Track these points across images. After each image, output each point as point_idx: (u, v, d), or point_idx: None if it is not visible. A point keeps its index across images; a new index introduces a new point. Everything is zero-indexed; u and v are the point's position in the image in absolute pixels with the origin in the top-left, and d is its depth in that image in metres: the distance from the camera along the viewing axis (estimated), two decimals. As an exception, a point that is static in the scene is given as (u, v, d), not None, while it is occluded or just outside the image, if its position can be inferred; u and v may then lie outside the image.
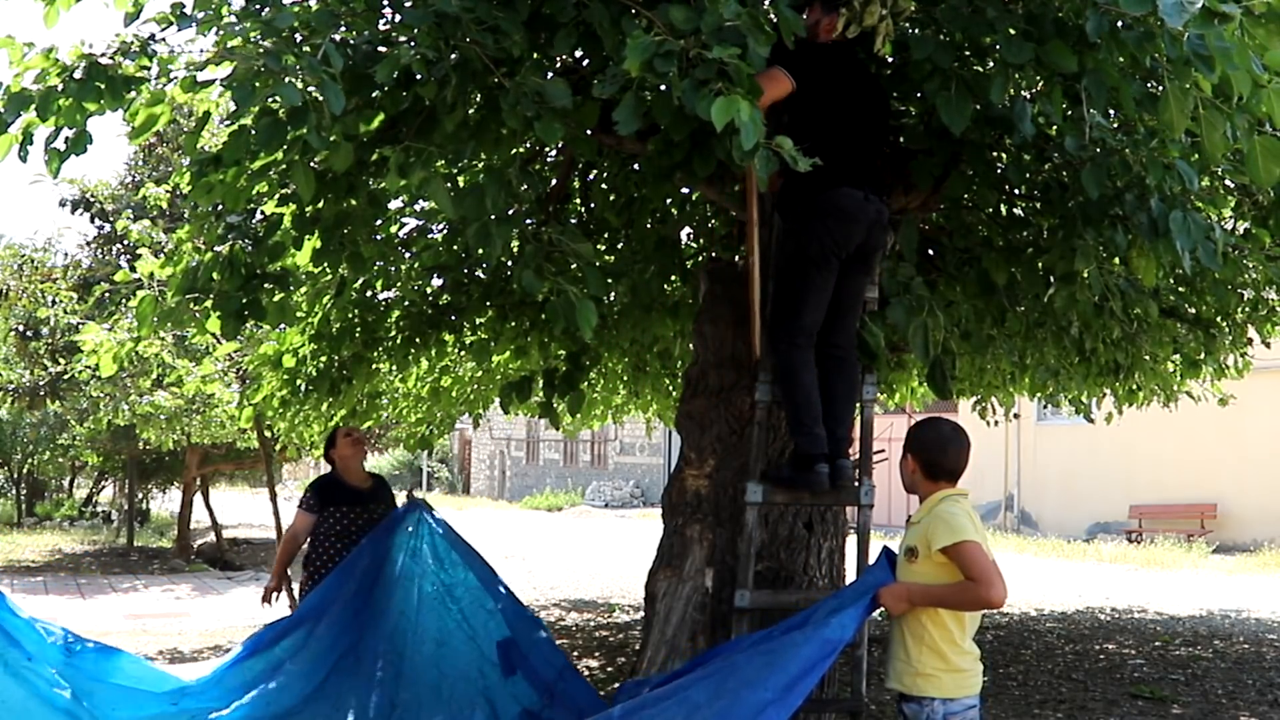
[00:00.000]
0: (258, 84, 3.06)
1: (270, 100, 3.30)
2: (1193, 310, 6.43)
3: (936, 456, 3.27)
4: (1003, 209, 5.17)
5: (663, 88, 3.24)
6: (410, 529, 4.82)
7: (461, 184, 4.19)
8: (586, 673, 6.97)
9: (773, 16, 3.30)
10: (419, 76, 3.47)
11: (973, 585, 3.04)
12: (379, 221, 5.18)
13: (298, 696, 4.49)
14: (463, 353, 7.26)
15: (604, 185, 6.08)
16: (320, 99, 3.09)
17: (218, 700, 4.37)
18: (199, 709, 4.32)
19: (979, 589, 3.03)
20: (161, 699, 4.26)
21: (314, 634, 4.62)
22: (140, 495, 21.02)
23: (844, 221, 3.91)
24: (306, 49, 3.19)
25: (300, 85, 3.08)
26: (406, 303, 6.12)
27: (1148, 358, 6.56)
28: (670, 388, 8.16)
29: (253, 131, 3.58)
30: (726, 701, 3.09)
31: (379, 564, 4.75)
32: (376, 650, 4.66)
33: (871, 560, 3.58)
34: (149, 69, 3.61)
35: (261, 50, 3.08)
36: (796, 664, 3.08)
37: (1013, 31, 3.52)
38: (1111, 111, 4.05)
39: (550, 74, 3.93)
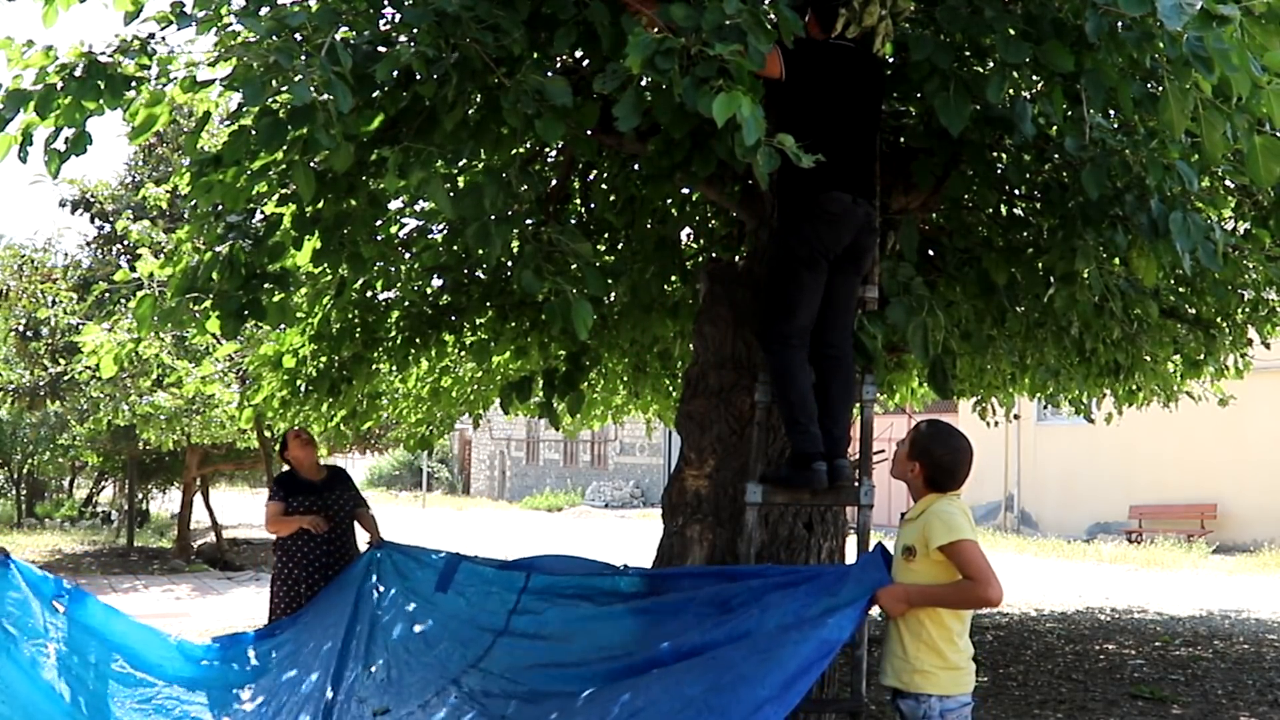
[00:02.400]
0: (272, 82, 3.06)
1: (270, 100, 3.30)
2: (1193, 311, 6.43)
3: (946, 475, 3.23)
4: (1003, 209, 5.17)
5: (664, 86, 3.24)
6: (372, 563, 5.18)
7: (461, 184, 4.19)
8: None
9: (773, 16, 3.30)
10: (419, 76, 3.47)
11: (971, 584, 3.04)
12: (379, 221, 5.18)
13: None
14: (463, 353, 7.26)
15: (604, 185, 6.08)
16: (327, 97, 3.09)
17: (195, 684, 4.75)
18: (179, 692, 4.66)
19: (977, 588, 3.03)
20: (145, 685, 4.51)
21: (288, 643, 5.09)
22: (140, 495, 20.99)
23: (832, 225, 3.94)
24: (309, 48, 3.19)
25: (311, 86, 3.08)
26: (406, 303, 6.12)
27: (1148, 358, 6.56)
28: (670, 388, 8.16)
29: (253, 131, 3.59)
30: (725, 698, 3.09)
31: (346, 593, 5.13)
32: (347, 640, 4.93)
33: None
34: (149, 68, 3.61)
35: (273, 47, 3.08)
36: (795, 662, 3.07)
37: (1011, 32, 3.52)
38: (1111, 112, 4.05)
39: (550, 74, 3.93)
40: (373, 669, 4.71)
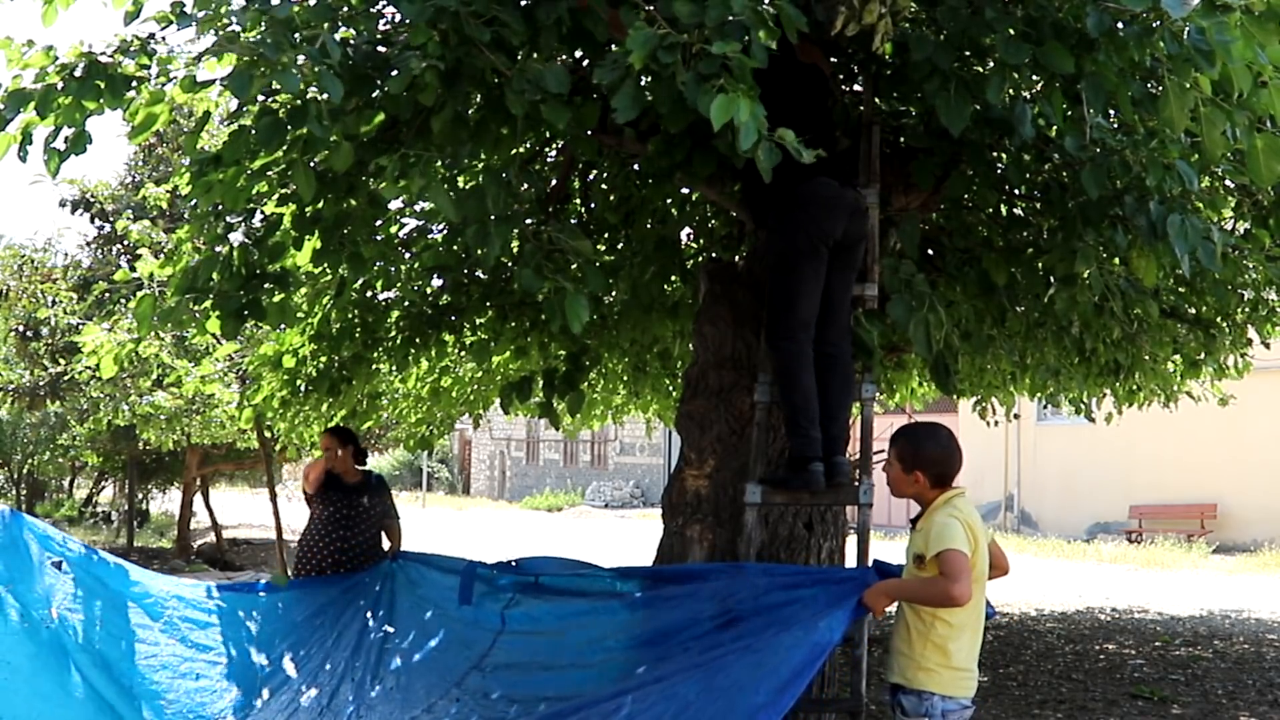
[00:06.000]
0: (256, 74, 3.05)
1: (270, 100, 3.29)
2: (1193, 311, 6.43)
3: (946, 467, 3.29)
4: (1003, 209, 5.17)
5: (665, 76, 3.23)
6: (387, 575, 5.23)
7: (461, 184, 4.19)
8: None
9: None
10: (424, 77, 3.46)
11: (940, 579, 3.08)
12: (379, 221, 5.17)
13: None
14: (463, 353, 7.25)
15: (604, 185, 6.08)
16: (320, 92, 3.08)
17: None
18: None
19: (944, 583, 3.07)
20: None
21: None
22: (140, 495, 20.99)
23: (826, 209, 3.94)
24: (305, 45, 3.19)
25: (300, 77, 3.07)
26: (406, 303, 6.11)
27: (1148, 358, 6.56)
28: (670, 388, 8.16)
29: (253, 131, 3.58)
30: (720, 705, 3.12)
31: (359, 600, 5.18)
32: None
33: (868, 563, 3.62)
34: (149, 68, 3.61)
35: (261, 41, 3.08)
36: (788, 668, 3.12)
37: (1012, 32, 3.52)
38: (1112, 111, 4.05)
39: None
40: (380, 679, 4.71)
